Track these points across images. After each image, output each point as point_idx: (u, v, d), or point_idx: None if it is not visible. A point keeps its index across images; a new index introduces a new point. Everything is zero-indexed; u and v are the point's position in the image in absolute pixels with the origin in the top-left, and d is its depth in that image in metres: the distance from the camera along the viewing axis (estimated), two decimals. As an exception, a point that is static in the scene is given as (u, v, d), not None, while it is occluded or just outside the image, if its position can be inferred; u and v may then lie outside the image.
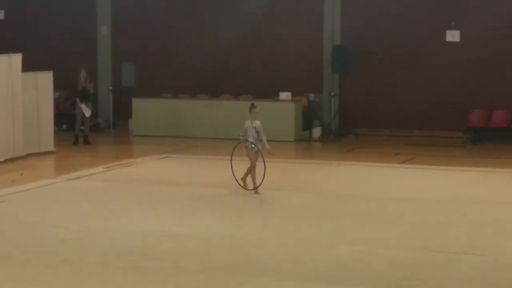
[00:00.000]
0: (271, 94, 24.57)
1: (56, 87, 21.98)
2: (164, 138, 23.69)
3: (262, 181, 15.50)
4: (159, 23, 26.42)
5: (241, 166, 15.83)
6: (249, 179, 15.78)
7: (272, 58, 25.48)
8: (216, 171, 18.49)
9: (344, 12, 25.07)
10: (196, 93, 25.64)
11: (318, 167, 19.64)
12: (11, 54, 19.74)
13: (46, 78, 20.96)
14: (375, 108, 24.66)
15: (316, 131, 24.68)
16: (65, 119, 25.31)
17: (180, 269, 10.66)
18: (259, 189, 15.62)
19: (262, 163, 15.45)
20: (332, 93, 25.19)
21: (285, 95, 24.32)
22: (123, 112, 25.91)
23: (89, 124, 23.07)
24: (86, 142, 22.73)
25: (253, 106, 16.17)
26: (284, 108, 24.14)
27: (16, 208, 14.63)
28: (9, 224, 13.29)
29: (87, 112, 22.59)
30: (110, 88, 26.53)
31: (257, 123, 15.95)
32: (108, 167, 18.92)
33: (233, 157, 15.77)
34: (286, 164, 19.70)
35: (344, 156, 21.42)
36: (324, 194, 15.89)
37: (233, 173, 15.78)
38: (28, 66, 20.35)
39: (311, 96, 25.24)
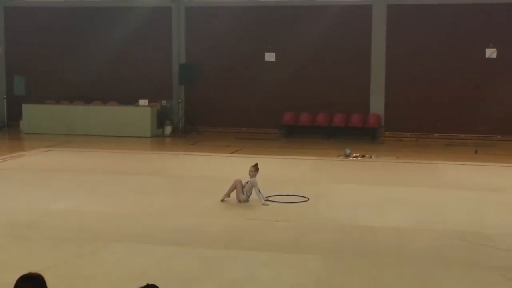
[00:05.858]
0: (132, 101, 24.39)
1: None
2: (48, 135, 23.11)
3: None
4: (45, 43, 25.75)
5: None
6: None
7: (134, 73, 25.29)
8: (90, 160, 18.22)
9: (187, 40, 25.14)
10: (74, 100, 25.14)
11: (169, 157, 19.67)
12: None
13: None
14: (211, 111, 24.88)
15: (168, 129, 24.64)
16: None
17: (60, 237, 10.48)
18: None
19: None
20: (179, 100, 25.23)
21: (143, 102, 24.19)
22: (15, 115, 25.15)
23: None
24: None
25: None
26: (143, 111, 23.99)
27: None
28: None
29: None
30: (5, 96, 25.72)
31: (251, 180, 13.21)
32: (3, 158, 18.36)
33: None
34: (144, 155, 19.62)
35: (189, 148, 21.49)
36: (173, 177, 15.93)
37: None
38: None
39: (164, 102, 25.19)
